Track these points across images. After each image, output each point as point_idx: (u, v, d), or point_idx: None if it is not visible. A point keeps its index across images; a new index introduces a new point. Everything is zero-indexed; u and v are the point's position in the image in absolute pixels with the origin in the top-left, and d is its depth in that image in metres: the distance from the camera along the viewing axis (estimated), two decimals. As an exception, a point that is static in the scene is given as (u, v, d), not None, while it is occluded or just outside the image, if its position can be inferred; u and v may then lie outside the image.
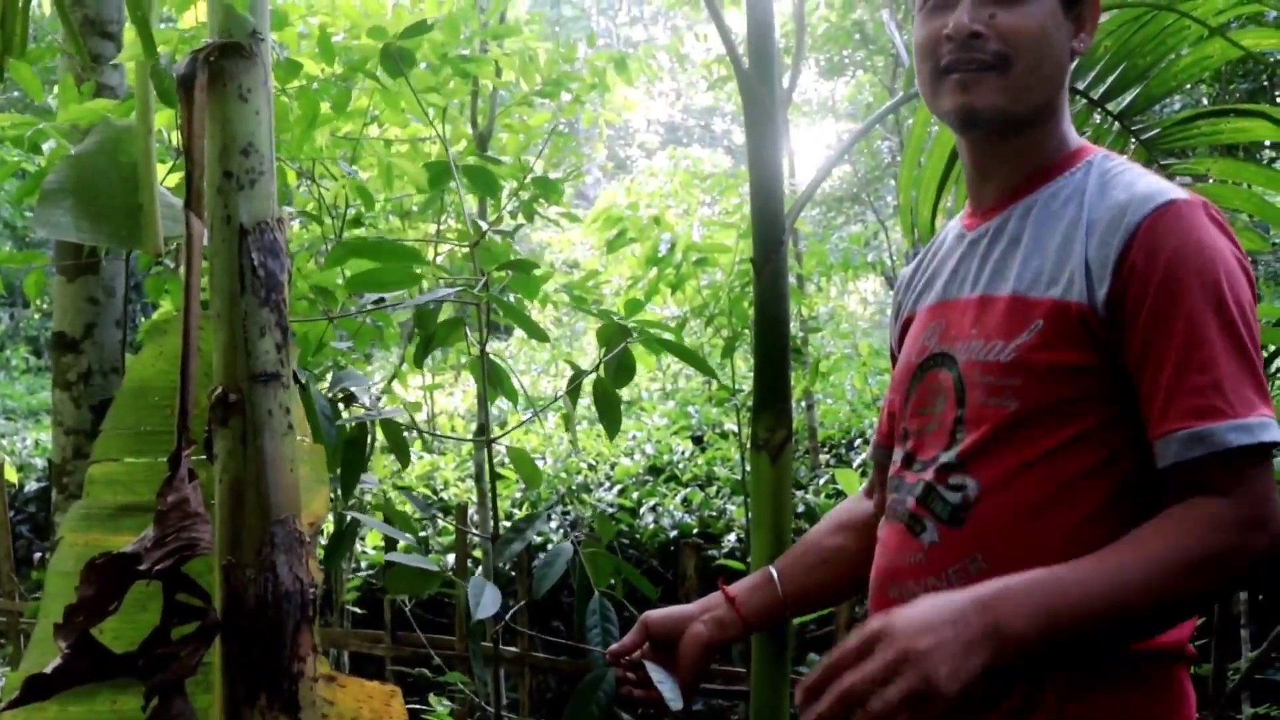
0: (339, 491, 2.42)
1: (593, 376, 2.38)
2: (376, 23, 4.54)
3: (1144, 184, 1.49)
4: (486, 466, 2.61)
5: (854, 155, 14.57)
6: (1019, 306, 1.51)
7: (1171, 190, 1.47)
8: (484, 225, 2.66)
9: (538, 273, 2.54)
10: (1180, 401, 1.39)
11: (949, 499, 1.52)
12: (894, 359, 1.83)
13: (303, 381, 2.23)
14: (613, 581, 2.21)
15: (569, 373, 2.50)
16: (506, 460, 8.00)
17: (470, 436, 4.56)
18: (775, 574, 1.86)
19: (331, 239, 4.03)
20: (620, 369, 2.34)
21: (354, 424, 2.28)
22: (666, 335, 2.48)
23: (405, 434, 2.48)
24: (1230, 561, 1.35)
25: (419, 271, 2.34)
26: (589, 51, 4.99)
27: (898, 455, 1.67)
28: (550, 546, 2.33)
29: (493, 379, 2.44)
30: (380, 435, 2.47)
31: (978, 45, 1.55)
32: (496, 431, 3.09)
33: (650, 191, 7.20)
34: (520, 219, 4.02)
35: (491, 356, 2.46)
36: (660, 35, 30.82)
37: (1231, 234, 1.49)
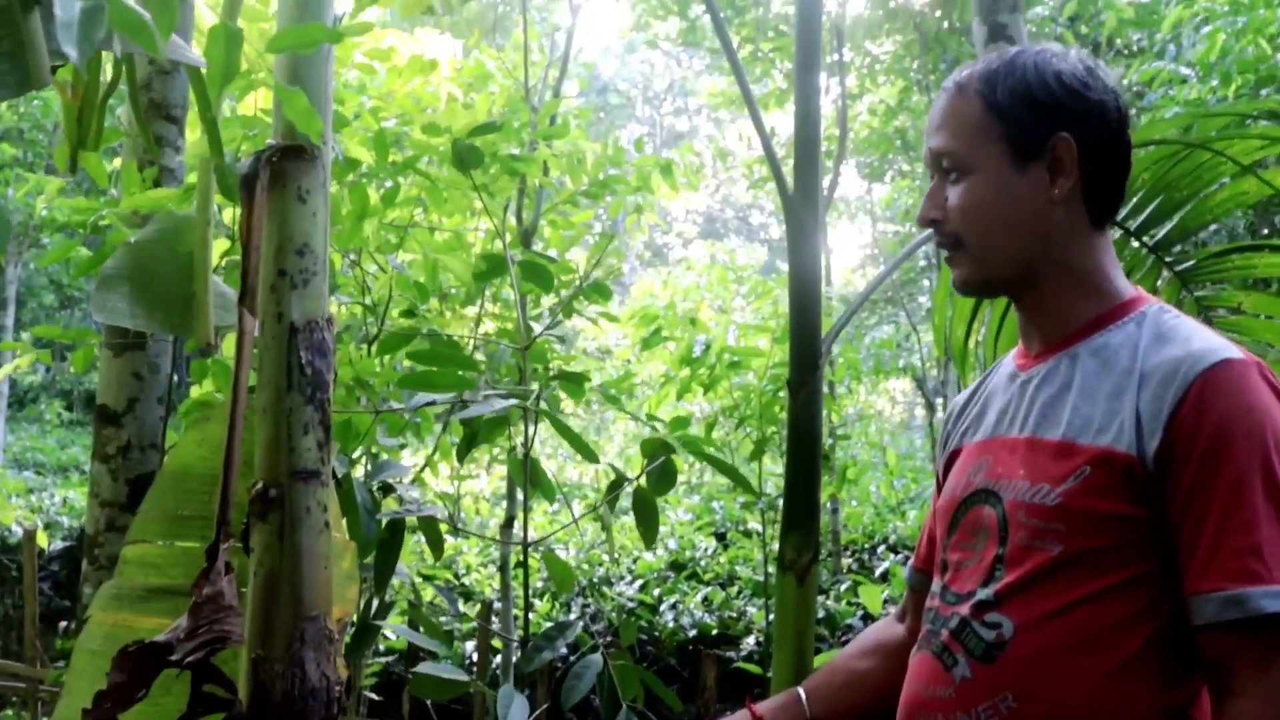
0: (368, 579, 2.43)
1: (639, 485, 2.40)
2: (427, 111, 4.65)
3: (1199, 340, 1.50)
4: (519, 569, 2.62)
5: (887, 256, 14.65)
6: (1068, 451, 1.51)
7: (1227, 349, 1.48)
8: (535, 328, 2.70)
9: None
10: (1219, 562, 1.39)
11: (984, 635, 1.53)
12: (939, 487, 1.84)
13: (344, 472, 2.26)
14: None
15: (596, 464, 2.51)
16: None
17: (504, 535, 4.57)
18: (803, 695, 1.86)
19: (372, 323, 4.10)
20: (661, 477, 2.36)
21: (391, 519, 2.30)
22: (708, 449, 2.50)
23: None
24: None
25: (467, 376, 2.38)
26: (635, 154, 5.09)
27: (936, 586, 1.67)
28: (578, 658, 2.33)
29: (531, 477, 2.47)
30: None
31: (939, 229, 1.64)
32: (522, 520, 3.10)
33: (686, 286, 7.27)
34: (560, 315, 4.07)
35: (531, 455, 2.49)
36: (703, 125, 31.20)
37: None
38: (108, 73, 2.05)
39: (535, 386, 2.52)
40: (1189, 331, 1.52)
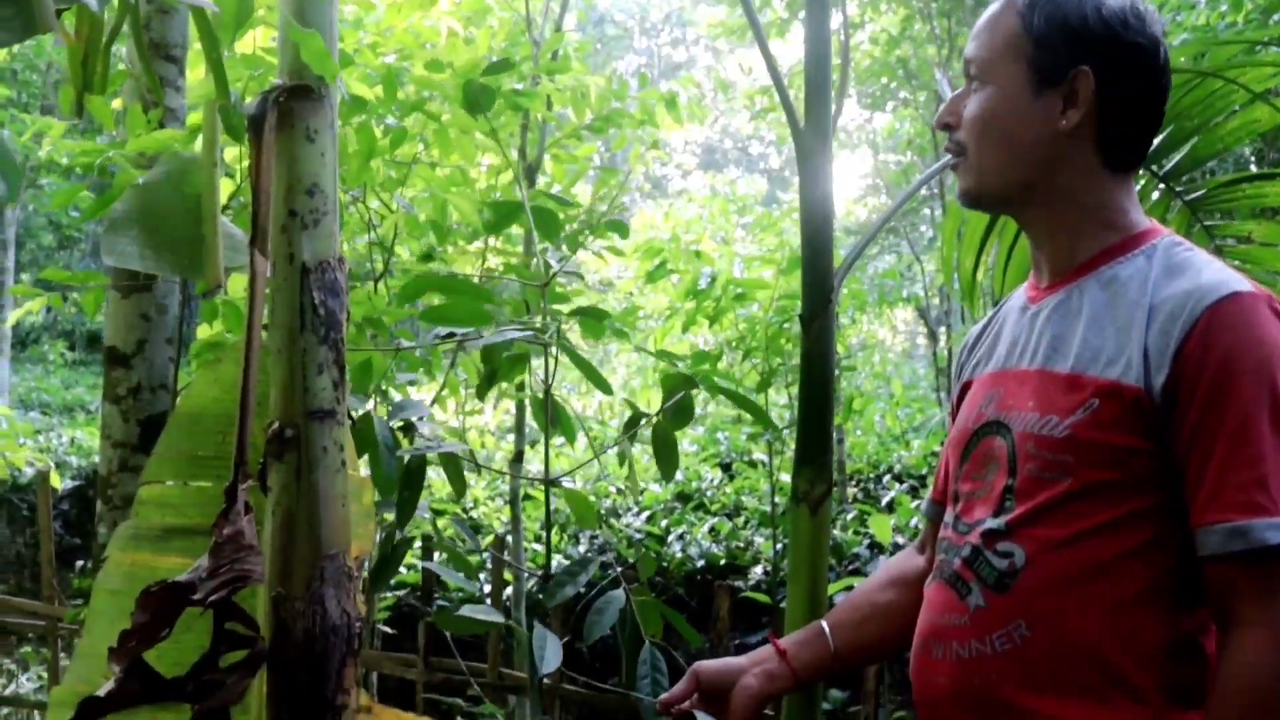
0: (383, 515, 2.45)
1: (658, 421, 2.40)
2: (428, 47, 4.60)
3: (1209, 273, 1.50)
4: (528, 503, 2.64)
5: (890, 187, 14.58)
6: (1076, 384, 1.53)
7: (1236, 282, 1.48)
8: (553, 264, 2.69)
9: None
10: (1225, 495, 1.41)
11: (996, 564, 1.55)
12: (954, 419, 1.85)
13: (364, 410, 2.27)
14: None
15: (601, 397, 2.53)
16: (534, 487, 8.05)
17: (513, 469, 4.58)
18: (827, 628, 1.87)
19: (378, 259, 4.08)
20: (679, 412, 2.37)
21: (414, 456, 2.31)
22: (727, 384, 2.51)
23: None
24: None
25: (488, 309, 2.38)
26: (638, 87, 5.04)
27: (949, 516, 1.69)
28: (596, 593, 2.35)
29: (552, 417, 2.47)
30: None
31: (951, 135, 1.67)
32: (530, 455, 3.11)
33: (688, 218, 7.24)
34: (572, 252, 4.05)
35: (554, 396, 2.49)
36: (701, 55, 30.93)
37: None
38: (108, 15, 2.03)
39: (552, 323, 2.51)
40: (1200, 265, 1.53)
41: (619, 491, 8.94)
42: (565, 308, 2.72)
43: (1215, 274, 1.50)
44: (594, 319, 2.52)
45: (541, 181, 5.04)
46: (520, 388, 4.96)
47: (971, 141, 1.63)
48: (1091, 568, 1.48)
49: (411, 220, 3.73)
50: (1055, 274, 1.65)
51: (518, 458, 4.75)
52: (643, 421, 2.41)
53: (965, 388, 1.78)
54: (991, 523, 1.56)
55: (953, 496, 1.69)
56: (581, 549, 7.64)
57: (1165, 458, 1.47)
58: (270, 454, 1.90)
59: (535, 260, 4.89)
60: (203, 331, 3.58)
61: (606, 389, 2.38)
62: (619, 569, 2.39)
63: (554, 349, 2.39)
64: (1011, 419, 1.59)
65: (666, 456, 2.38)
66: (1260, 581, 1.40)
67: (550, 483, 2.42)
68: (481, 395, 2.55)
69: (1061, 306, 1.61)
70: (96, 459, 4.57)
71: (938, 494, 1.86)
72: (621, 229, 2.75)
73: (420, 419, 2.40)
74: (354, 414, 2.41)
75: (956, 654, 1.56)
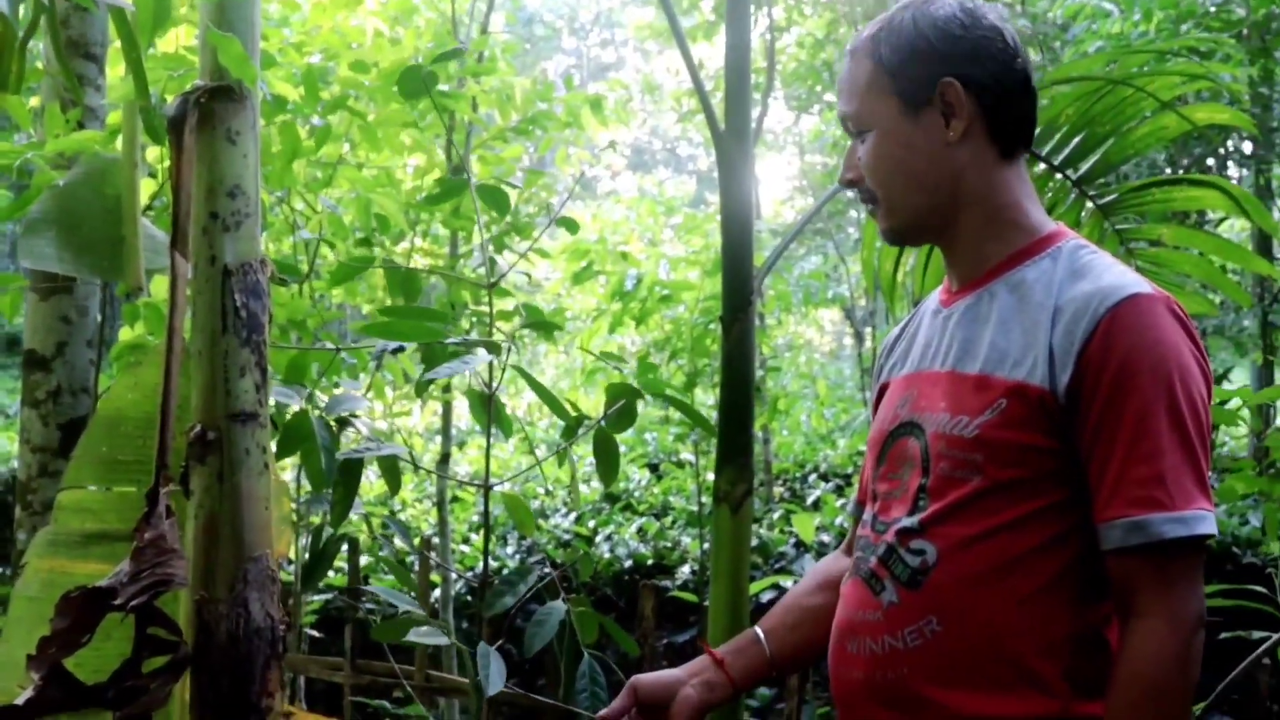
0: (325, 514, 2.43)
1: (601, 429, 2.40)
2: (354, 47, 4.58)
3: (1110, 276, 1.54)
4: (454, 506, 2.65)
5: (816, 188, 14.70)
6: (984, 385, 1.57)
7: (1137, 284, 1.52)
8: (501, 263, 2.69)
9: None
10: (1124, 490, 1.46)
11: (909, 562, 1.58)
12: (872, 422, 1.89)
13: (300, 407, 2.26)
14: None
15: (531, 396, 2.53)
16: (461, 490, 8.03)
17: (440, 470, 4.57)
18: (761, 634, 1.89)
19: (302, 261, 4.06)
20: (621, 417, 2.37)
21: (349, 456, 2.29)
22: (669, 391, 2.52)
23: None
24: (1190, 673, 1.44)
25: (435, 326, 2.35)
26: (564, 89, 5.05)
27: (867, 515, 1.73)
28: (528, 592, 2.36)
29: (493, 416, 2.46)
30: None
31: (859, 188, 1.71)
32: (457, 456, 3.11)
33: (616, 219, 7.26)
34: (516, 251, 4.05)
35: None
36: (630, 57, 30.96)
37: (1192, 330, 1.55)
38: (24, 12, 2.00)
39: (498, 325, 2.50)
40: (1102, 267, 1.57)
41: (547, 492, 8.94)
42: (507, 308, 2.72)
43: (1117, 277, 1.54)
44: (546, 327, 2.51)
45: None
46: (447, 389, 4.95)
47: (877, 185, 1.67)
48: (1000, 563, 1.53)
49: (336, 221, 3.72)
50: (965, 278, 1.69)
51: (444, 459, 4.74)
52: (582, 428, 2.41)
53: (883, 389, 1.82)
54: (906, 521, 1.60)
55: (871, 496, 1.73)
56: (509, 550, 7.62)
57: (1070, 456, 1.52)
58: (192, 457, 1.89)
59: (461, 262, 4.90)
60: (125, 334, 3.54)
61: (563, 414, 2.38)
62: (552, 573, 2.39)
63: (500, 356, 2.39)
64: (925, 420, 1.63)
65: (608, 462, 2.38)
66: (1158, 573, 1.45)
67: (489, 487, 2.41)
68: (420, 393, 2.54)
69: (971, 310, 1.65)
70: (15, 464, 4.48)
71: (861, 495, 1.90)
72: (571, 225, 2.75)
73: (357, 415, 2.39)
74: (286, 410, 2.38)
75: (870, 649, 1.60)
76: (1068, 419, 1.51)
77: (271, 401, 2.10)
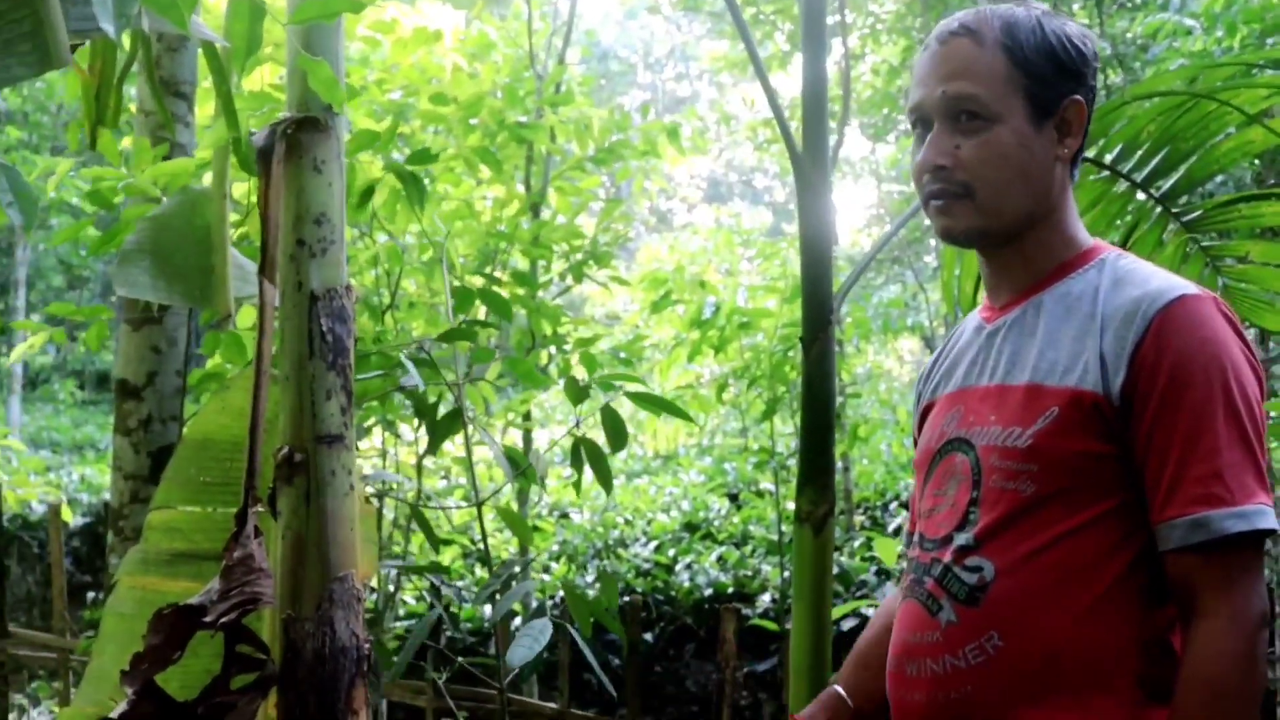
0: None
1: (582, 436, 2.52)
2: (434, 83, 4.66)
3: (1157, 280, 1.55)
4: (481, 526, 2.70)
5: (893, 216, 14.61)
6: (1036, 394, 1.56)
7: (1183, 286, 1.53)
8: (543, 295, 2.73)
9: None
10: (1184, 489, 1.46)
11: (966, 580, 1.57)
12: (916, 444, 1.88)
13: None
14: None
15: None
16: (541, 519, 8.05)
17: (460, 501, 4.62)
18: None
19: (384, 292, 4.12)
20: (615, 433, 2.45)
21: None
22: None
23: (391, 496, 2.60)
24: (1256, 672, 1.43)
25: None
26: (641, 119, 5.09)
27: (914, 535, 1.72)
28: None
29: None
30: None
31: (945, 176, 1.64)
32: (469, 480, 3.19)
33: (693, 250, 7.28)
34: (570, 280, 4.09)
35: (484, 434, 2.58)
36: (705, 89, 31.05)
37: (1240, 329, 1.55)
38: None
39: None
40: (1146, 273, 1.59)
41: (627, 522, 8.94)
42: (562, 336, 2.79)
43: (1162, 281, 1.55)
44: (610, 428, 2.65)
45: (546, 213, 5.09)
46: (528, 417, 4.98)
47: (984, 181, 1.62)
48: (1061, 574, 1.51)
49: (394, 253, 3.78)
50: (1012, 293, 1.69)
51: (522, 490, 4.77)
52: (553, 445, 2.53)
53: (926, 411, 1.82)
54: (960, 538, 1.59)
55: (917, 514, 1.72)
56: (589, 578, 7.63)
57: (1127, 460, 1.51)
58: (280, 478, 1.93)
59: (540, 292, 4.94)
60: (213, 363, 3.62)
61: (521, 466, 2.47)
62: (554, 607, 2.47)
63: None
64: (974, 434, 1.63)
65: (600, 470, 2.48)
66: (1220, 571, 1.44)
67: (480, 503, 2.48)
68: (433, 450, 2.62)
69: (1018, 324, 1.65)
70: (107, 496, 4.59)
71: (912, 526, 1.89)
72: (602, 258, 2.85)
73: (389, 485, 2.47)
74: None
75: (931, 670, 1.58)
76: (1123, 422, 1.51)
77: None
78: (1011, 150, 1.61)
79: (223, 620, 1.76)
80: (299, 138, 2.03)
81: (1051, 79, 1.61)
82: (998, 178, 1.62)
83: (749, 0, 10.39)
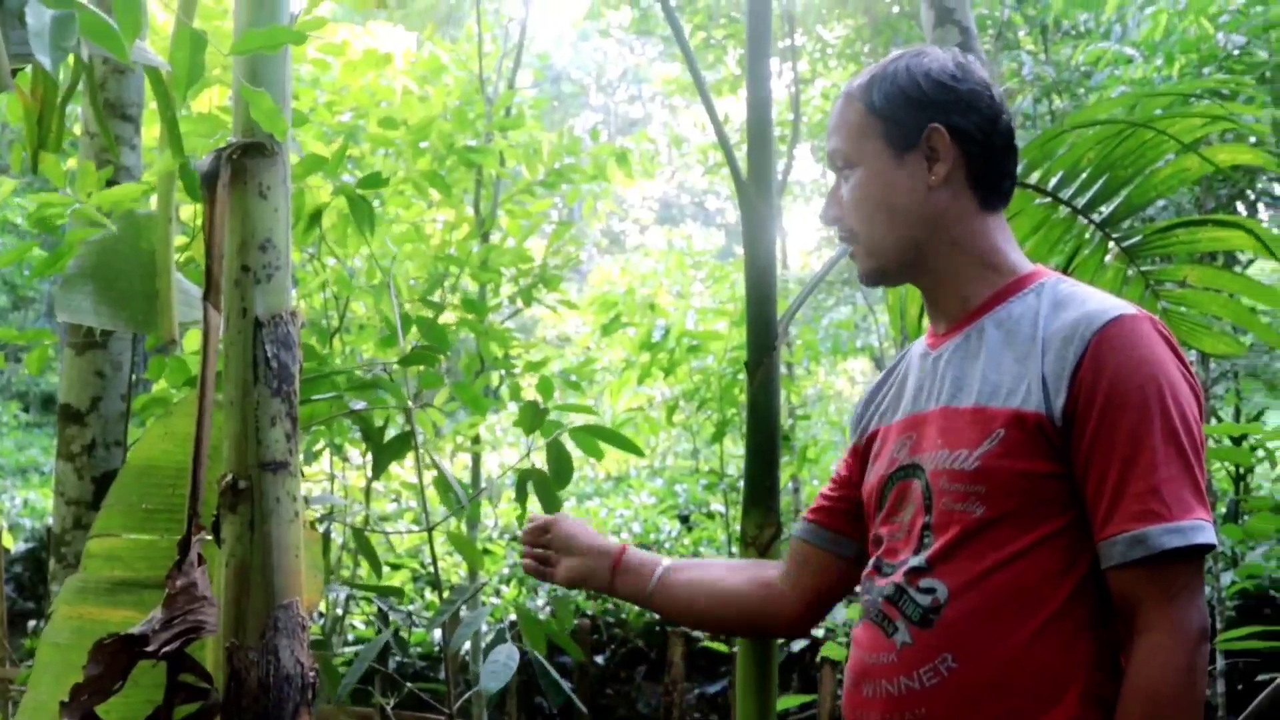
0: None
1: (530, 467, 2.54)
2: (382, 105, 4.65)
3: (1094, 302, 1.60)
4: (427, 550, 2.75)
5: (845, 240, 14.69)
6: (981, 417, 1.60)
7: (1121, 307, 1.58)
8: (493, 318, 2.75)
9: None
10: (1123, 506, 1.49)
11: (919, 601, 1.59)
12: (851, 465, 1.92)
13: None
14: None
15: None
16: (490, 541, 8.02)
17: (411, 525, 4.61)
18: (659, 575, 1.97)
19: (333, 315, 4.11)
20: (559, 469, 2.49)
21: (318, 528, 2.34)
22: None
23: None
24: (1197, 685, 1.46)
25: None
26: (591, 143, 5.11)
27: (871, 561, 1.74)
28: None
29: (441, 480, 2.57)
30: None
31: (839, 225, 1.78)
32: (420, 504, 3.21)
33: (645, 272, 7.30)
34: (519, 303, 4.09)
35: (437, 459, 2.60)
36: (657, 111, 31.16)
37: (1176, 347, 1.59)
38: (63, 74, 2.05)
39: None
40: (1084, 295, 1.63)
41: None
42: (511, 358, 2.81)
43: (1100, 302, 1.60)
44: (559, 478, 2.68)
45: (496, 237, 5.09)
46: (476, 440, 4.97)
47: (857, 223, 1.74)
48: (1012, 594, 1.54)
49: (342, 278, 3.77)
50: (952, 320, 1.73)
51: (474, 510, 4.74)
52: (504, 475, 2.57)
53: (872, 438, 1.84)
54: (914, 560, 1.62)
55: (874, 541, 1.74)
56: (539, 601, 7.60)
57: (1072, 480, 1.55)
58: (224, 505, 1.91)
59: (490, 316, 4.94)
60: (159, 388, 3.59)
61: (555, 505, 2.50)
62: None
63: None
64: (924, 459, 1.66)
65: (547, 500, 2.51)
66: (1159, 586, 1.47)
67: (431, 529, 2.47)
68: (377, 475, 2.62)
69: (960, 349, 1.69)
70: (50, 520, 4.54)
71: (813, 513, 1.96)
72: (552, 281, 2.88)
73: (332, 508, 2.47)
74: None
75: (886, 691, 1.60)
76: (1065, 442, 1.54)
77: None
78: (870, 189, 1.72)
79: (165, 649, 1.75)
80: (244, 163, 2.02)
81: (904, 115, 1.70)
82: (863, 216, 1.73)
83: (700, 24, 10.46)
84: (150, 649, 1.74)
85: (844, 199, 1.75)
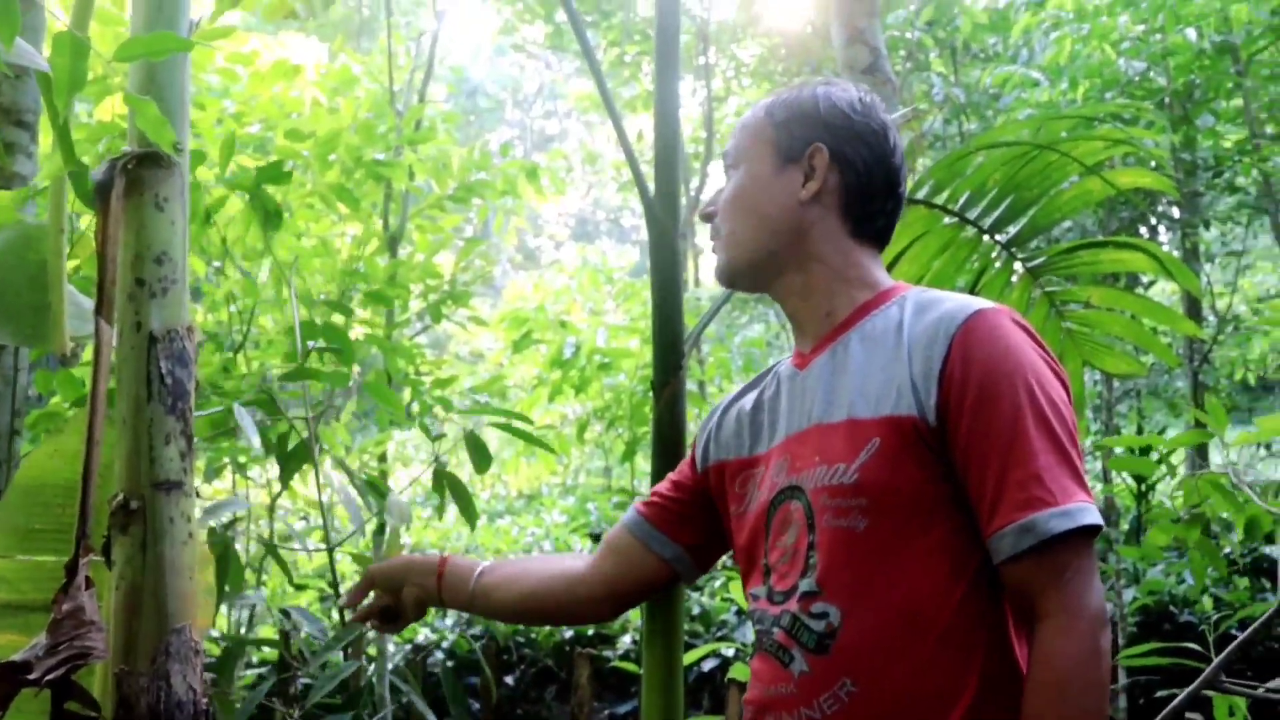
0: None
1: (443, 469, 2.50)
2: (292, 116, 4.59)
3: (953, 301, 1.62)
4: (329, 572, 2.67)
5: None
6: (855, 428, 1.59)
7: (979, 303, 1.59)
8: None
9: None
10: (1006, 497, 1.48)
11: (814, 627, 1.57)
12: (689, 474, 1.94)
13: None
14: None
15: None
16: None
17: (318, 543, 4.53)
18: (475, 579, 1.98)
19: (238, 330, 4.03)
20: (479, 458, 2.45)
21: (222, 539, 2.27)
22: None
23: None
24: (1101, 666, 1.45)
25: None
26: (501, 159, 5.08)
27: (759, 590, 1.71)
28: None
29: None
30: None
31: (712, 223, 1.82)
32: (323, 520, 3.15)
33: (557, 288, 7.28)
34: (428, 320, 4.05)
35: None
36: (574, 128, 31.20)
37: (1036, 336, 1.61)
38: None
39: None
40: (943, 297, 1.66)
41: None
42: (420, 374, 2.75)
43: (958, 301, 1.62)
44: (480, 461, 2.61)
45: (405, 252, 5.03)
46: (383, 459, 4.91)
47: (724, 221, 1.78)
48: (905, 609, 1.52)
49: (250, 287, 3.70)
50: (817, 337, 1.74)
51: (380, 530, 4.68)
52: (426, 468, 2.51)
53: (722, 468, 1.84)
54: (804, 584, 1.59)
55: (762, 571, 1.71)
56: (448, 621, 7.52)
57: (954, 480, 1.55)
58: (114, 526, 1.85)
59: (397, 331, 4.89)
60: (53, 404, 3.49)
61: (473, 520, 2.45)
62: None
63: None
64: (803, 479, 1.64)
65: (461, 501, 2.47)
66: (1052, 572, 1.47)
67: (333, 548, 2.41)
68: (285, 484, 2.57)
69: (826, 364, 1.69)
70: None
71: (643, 505, 1.97)
72: (461, 298, 2.83)
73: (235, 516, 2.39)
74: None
75: None
76: (942, 442, 1.55)
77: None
78: (745, 190, 1.77)
79: (49, 677, 1.69)
80: (140, 174, 1.96)
81: (795, 127, 1.75)
82: (732, 213, 1.77)
83: (614, 41, 10.48)
84: (34, 676, 1.68)
85: (721, 197, 1.80)
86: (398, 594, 2.02)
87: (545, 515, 10.84)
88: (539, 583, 1.99)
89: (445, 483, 2.66)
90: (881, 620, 1.53)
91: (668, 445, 2.22)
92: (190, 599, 1.85)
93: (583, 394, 5.63)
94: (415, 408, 4.42)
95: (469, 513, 2.64)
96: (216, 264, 3.99)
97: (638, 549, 1.92)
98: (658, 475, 2.21)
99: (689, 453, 1.96)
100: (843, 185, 1.73)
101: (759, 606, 1.70)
